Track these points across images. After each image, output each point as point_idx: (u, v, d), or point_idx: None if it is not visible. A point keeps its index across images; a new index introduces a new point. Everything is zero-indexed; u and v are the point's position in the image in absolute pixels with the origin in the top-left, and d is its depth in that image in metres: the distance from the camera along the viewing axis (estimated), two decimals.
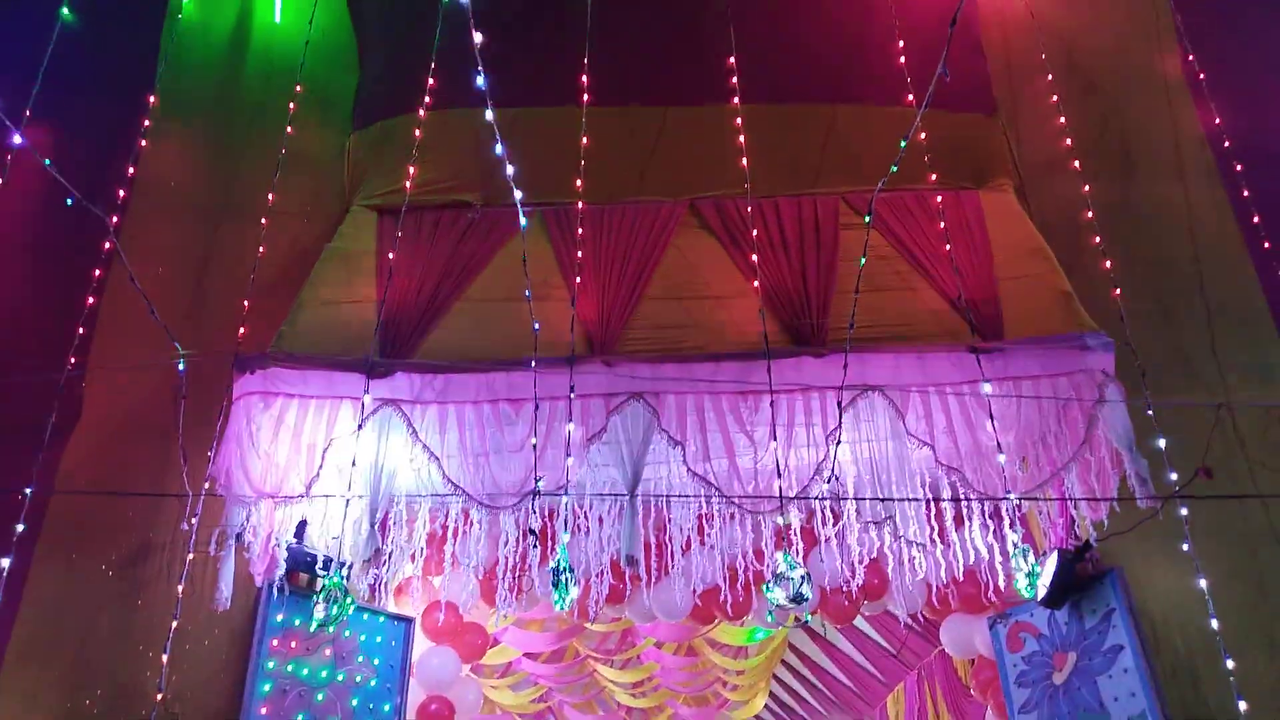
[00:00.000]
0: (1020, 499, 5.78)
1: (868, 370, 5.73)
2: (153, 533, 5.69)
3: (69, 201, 5.15)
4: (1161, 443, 5.55)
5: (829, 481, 5.61)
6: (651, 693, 13.25)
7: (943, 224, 6.33)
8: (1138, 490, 5.37)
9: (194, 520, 5.42)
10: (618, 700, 13.62)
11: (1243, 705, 5.16)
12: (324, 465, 5.70)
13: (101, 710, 5.25)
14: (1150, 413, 5.64)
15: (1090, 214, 6.49)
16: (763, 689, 13.69)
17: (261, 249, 6.31)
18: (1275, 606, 5.57)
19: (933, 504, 6.07)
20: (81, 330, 5.82)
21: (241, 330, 5.97)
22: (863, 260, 5.54)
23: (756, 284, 6.14)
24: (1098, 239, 6.38)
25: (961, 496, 5.97)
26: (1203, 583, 5.42)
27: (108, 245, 5.86)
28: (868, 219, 5.41)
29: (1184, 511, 5.46)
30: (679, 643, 11.37)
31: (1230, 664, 5.26)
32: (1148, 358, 5.91)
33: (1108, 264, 6.26)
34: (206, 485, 5.53)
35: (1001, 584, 6.30)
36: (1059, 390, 5.72)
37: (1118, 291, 6.13)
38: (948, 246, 6.24)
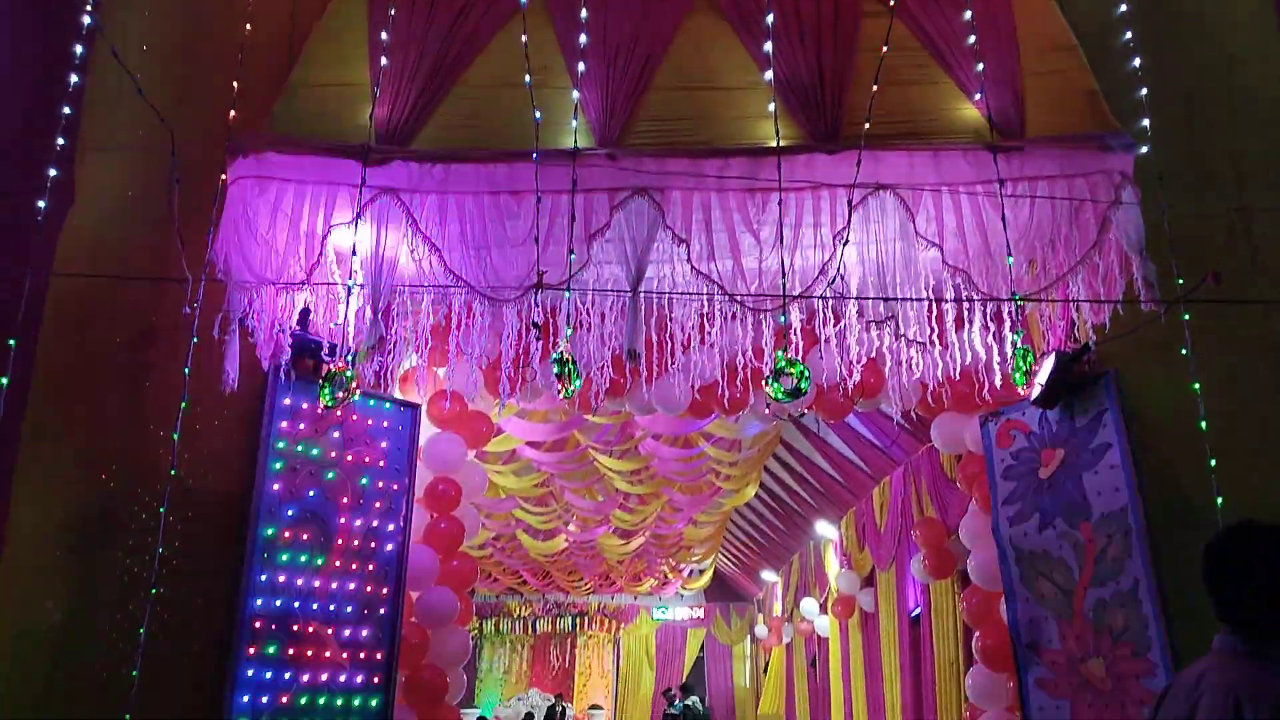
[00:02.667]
0: (1024, 300, 5.75)
1: (881, 169, 5.56)
2: (155, 317, 5.62)
3: None
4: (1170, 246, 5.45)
5: (833, 282, 5.56)
6: (648, 481, 13.80)
7: (969, 14, 5.97)
8: (1143, 293, 5.33)
9: (196, 305, 5.38)
10: (615, 486, 14.21)
11: (1220, 503, 5.30)
12: (324, 252, 5.64)
13: (119, 486, 5.35)
14: (1165, 215, 5.52)
15: (1123, 9, 6.12)
16: (754, 479, 14.25)
17: (248, 27, 5.98)
18: (1264, 413, 5.59)
19: (934, 305, 6.04)
20: (68, 111, 5.57)
21: (232, 113, 5.70)
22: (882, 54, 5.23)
23: (769, 75, 5.86)
24: (1129, 36, 6.04)
25: (965, 297, 5.94)
26: (1196, 386, 5.40)
27: (87, 21, 5.53)
28: (891, 4, 5.09)
29: (1186, 316, 5.43)
30: (676, 435, 11.72)
31: (1213, 464, 5.33)
32: (1169, 162, 5.73)
33: (1137, 62, 5.96)
34: (206, 270, 5.47)
35: (998, 383, 6.36)
36: (1075, 191, 5.56)
37: (1144, 91, 5.86)
38: (973, 39, 5.92)
